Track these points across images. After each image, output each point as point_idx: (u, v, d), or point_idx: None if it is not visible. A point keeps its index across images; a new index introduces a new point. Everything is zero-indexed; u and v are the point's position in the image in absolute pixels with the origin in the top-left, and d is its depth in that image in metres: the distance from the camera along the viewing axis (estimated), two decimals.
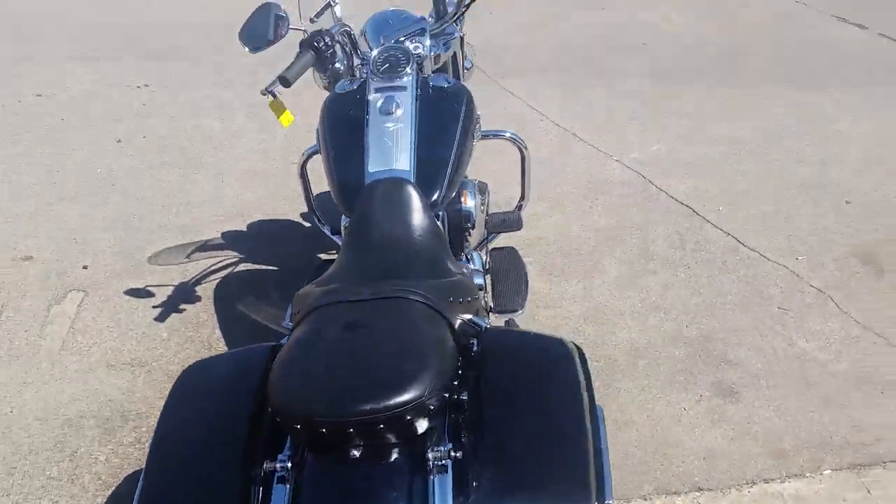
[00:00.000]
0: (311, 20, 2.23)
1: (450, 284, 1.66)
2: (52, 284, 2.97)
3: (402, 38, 2.27)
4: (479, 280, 2.29)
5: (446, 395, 1.35)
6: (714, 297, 2.96)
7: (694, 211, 3.53)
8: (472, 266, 2.34)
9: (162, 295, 2.89)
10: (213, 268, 3.05)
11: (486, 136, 2.64)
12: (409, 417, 1.27)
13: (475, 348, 1.52)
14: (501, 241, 2.73)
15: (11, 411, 2.41)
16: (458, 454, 1.32)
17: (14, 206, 3.51)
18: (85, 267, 3.08)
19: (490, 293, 2.44)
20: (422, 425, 1.32)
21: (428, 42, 2.27)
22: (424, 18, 2.37)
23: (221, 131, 4.24)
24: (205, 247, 3.18)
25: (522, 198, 2.71)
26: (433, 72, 2.32)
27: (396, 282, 1.56)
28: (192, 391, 1.49)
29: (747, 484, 2.22)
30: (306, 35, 2.10)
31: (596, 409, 1.48)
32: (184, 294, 2.90)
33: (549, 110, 4.49)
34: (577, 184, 3.74)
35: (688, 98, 4.69)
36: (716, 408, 2.47)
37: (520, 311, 2.43)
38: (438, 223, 2.00)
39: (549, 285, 3.04)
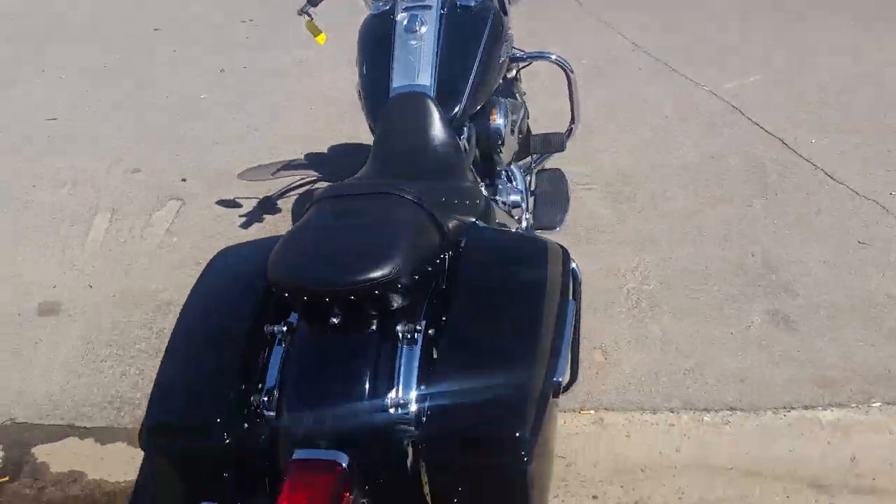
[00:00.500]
0: None
1: (450, 187, 1.77)
2: (155, 194, 3.31)
3: None
4: (514, 197, 2.38)
5: (417, 277, 1.46)
6: (788, 229, 2.86)
7: (784, 143, 3.37)
8: (510, 183, 2.42)
9: (248, 207, 3.15)
10: (295, 185, 3.27)
11: (530, 57, 2.67)
12: (378, 292, 1.39)
13: (462, 244, 1.63)
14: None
15: (114, 296, 2.76)
16: (430, 331, 1.45)
17: (130, 128, 3.90)
18: (184, 179, 3.40)
19: (532, 212, 2.50)
20: (395, 301, 1.44)
21: None
22: None
23: (316, 62, 4.47)
24: (289, 166, 3.41)
25: (572, 121, 2.73)
26: None
27: (396, 181, 1.68)
28: (220, 272, 1.68)
29: (784, 408, 2.18)
30: None
31: (568, 304, 1.59)
32: (266, 207, 3.15)
33: (645, 42, 4.38)
34: (662, 112, 3.67)
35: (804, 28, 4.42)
36: (766, 335, 2.41)
37: (557, 229, 2.49)
38: (461, 137, 2.10)
39: (612, 210, 3.04)
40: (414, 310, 1.50)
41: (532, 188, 2.60)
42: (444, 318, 1.50)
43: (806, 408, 2.18)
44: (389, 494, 1.40)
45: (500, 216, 2.22)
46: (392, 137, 2.02)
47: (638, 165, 3.31)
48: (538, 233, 2.48)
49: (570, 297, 1.78)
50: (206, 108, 4.08)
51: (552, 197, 2.61)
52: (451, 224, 1.65)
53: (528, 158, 2.68)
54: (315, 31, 2.24)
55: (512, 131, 2.31)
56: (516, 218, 2.43)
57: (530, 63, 2.78)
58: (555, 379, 1.45)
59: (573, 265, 1.89)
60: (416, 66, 2.09)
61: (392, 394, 1.43)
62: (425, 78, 2.07)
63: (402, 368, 1.45)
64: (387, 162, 1.98)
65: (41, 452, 2.15)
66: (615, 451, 2.09)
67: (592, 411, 2.21)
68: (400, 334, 1.45)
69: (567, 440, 2.12)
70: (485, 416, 1.38)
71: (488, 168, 2.33)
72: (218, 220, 3.10)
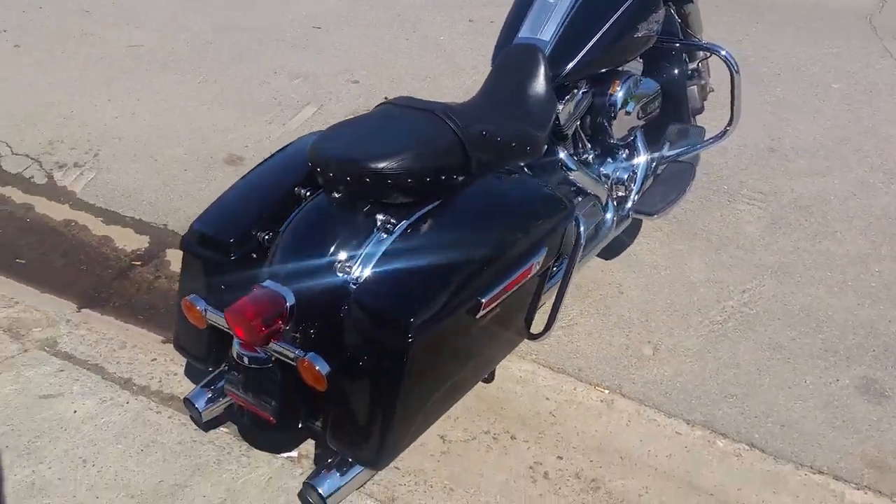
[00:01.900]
0: None
1: (507, 130, 1.92)
2: (362, 101, 3.76)
3: None
4: (621, 173, 2.38)
5: (411, 184, 1.68)
6: None
7: None
8: (625, 159, 2.43)
9: None
10: None
11: (698, 46, 2.58)
12: (369, 181, 1.66)
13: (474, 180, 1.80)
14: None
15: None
16: (408, 230, 1.67)
17: (370, 47, 4.41)
18: (385, 98, 3.80)
19: (642, 194, 2.46)
20: (387, 194, 1.70)
21: None
22: None
23: None
24: None
25: (730, 122, 2.60)
26: None
27: (453, 107, 1.86)
28: (295, 148, 2.00)
29: (812, 468, 1.96)
30: None
31: (541, 247, 1.76)
32: None
33: None
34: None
35: None
36: (845, 397, 2.17)
37: (655, 216, 2.44)
38: (566, 97, 2.18)
39: (763, 231, 2.83)
40: (401, 209, 1.71)
41: (655, 173, 2.56)
42: (424, 224, 1.68)
43: (837, 478, 1.94)
44: (316, 337, 1.63)
45: (583, 181, 2.27)
46: (496, 79, 2.20)
47: (825, 199, 3.02)
48: (635, 216, 2.45)
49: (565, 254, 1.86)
50: (443, 44, 4.44)
51: (667, 187, 2.53)
52: (479, 157, 1.80)
53: (665, 144, 2.62)
54: None
55: (629, 110, 2.31)
56: (618, 194, 2.43)
57: (708, 55, 2.70)
58: (479, 298, 1.58)
59: (581, 228, 1.95)
60: (545, 21, 2.21)
61: (349, 263, 1.66)
62: (547, 34, 2.19)
63: (369, 247, 1.70)
64: (484, 98, 2.16)
65: (172, 254, 2.70)
66: (606, 431, 2.06)
67: (607, 391, 2.19)
68: (379, 222, 1.68)
69: (566, 405, 2.14)
70: (396, 298, 1.55)
71: (600, 137, 2.36)
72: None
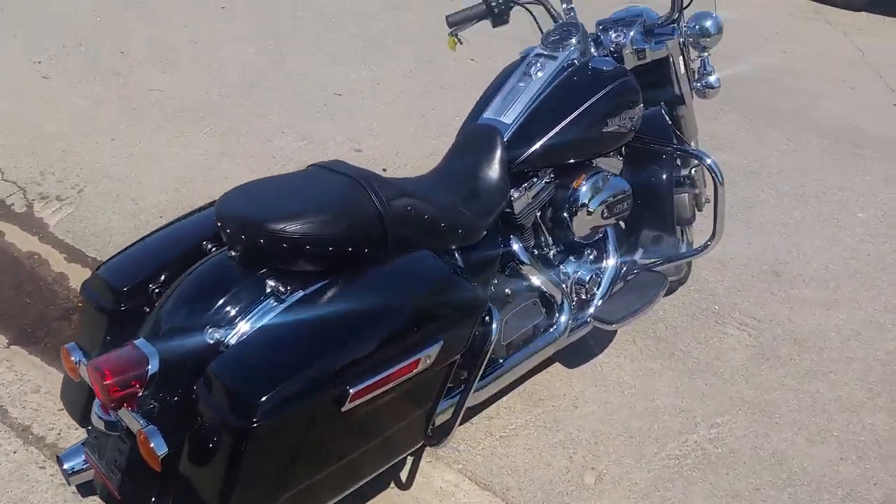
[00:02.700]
0: None
1: (437, 211, 1.77)
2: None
3: (612, 23, 2.30)
4: (583, 274, 2.23)
5: (309, 247, 1.55)
6: None
7: None
8: (572, 260, 2.27)
9: None
10: None
11: (681, 151, 2.43)
12: (260, 244, 1.55)
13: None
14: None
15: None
16: (302, 293, 1.56)
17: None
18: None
19: (592, 297, 2.29)
20: (281, 260, 1.58)
21: (632, 33, 2.25)
22: (655, 15, 2.31)
23: None
24: None
25: (712, 237, 2.43)
26: (633, 67, 2.28)
27: (379, 177, 1.74)
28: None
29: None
30: None
31: (435, 341, 1.60)
32: None
33: None
34: None
35: None
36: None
37: (612, 326, 2.32)
38: (523, 185, 2.06)
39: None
40: (299, 277, 1.58)
41: (625, 278, 2.38)
42: (317, 298, 1.55)
43: None
44: (172, 408, 1.48)
45: (534, 277, 2.11)
46: (450, 158, 2.10)
47: (825, 335, 2.76)
48: (593, 322, 2.26)
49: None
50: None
51: (633, 296, 2.36)
52: (400, 233, 1.66)
53: (638, 250, 2.45)
54: (452, 44, 2.37)
55: (591, 208, 2.15)
56: (579, 296, 2.26)
57: (699, 163, 2.54)
58: (347, 388, 1.42)
59: (493, 325, 1.77)
60: (511, 104, 2.11)
61: (226, 330, 1.52)
62: (510, 117, 2.08)
63: (252, 316, 1.55)
64: (433, 175, 2.05)
65: None
66: None
67: None
68: (269, 288, 1.55)
69: None
70: (249, 376, 1.41)
71: (562, 233, 2.21)
72: None
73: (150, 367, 1.48)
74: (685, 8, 2.28)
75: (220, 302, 1.56)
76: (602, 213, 2.21)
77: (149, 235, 1.84)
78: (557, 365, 2.49)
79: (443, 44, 2.32)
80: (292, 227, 1.53)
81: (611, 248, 2.36)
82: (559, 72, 2.13)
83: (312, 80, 4.41)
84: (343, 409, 1.43)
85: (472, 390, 1.81)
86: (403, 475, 2.06)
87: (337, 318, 1.50)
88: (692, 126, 2.57)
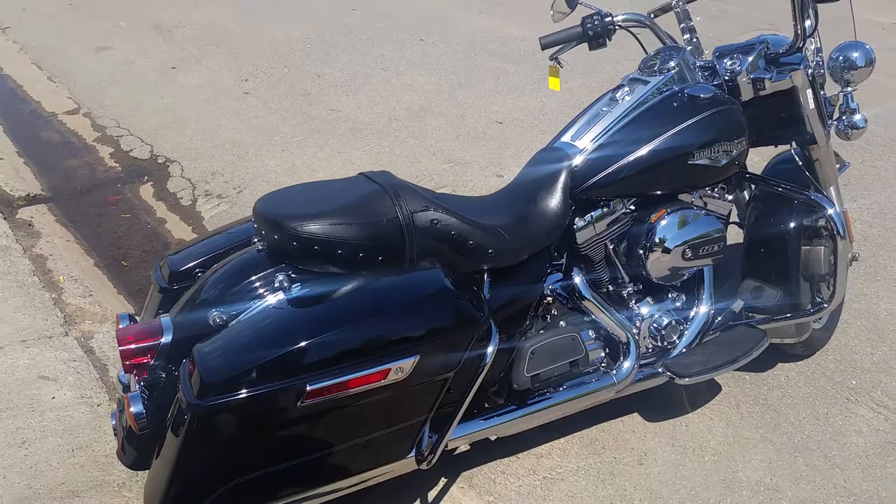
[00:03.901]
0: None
1: (457, 222, 1.73)
2: None
3: (730, 50, 2.10)
4: (659, 318, 2.07)
5: (316, 248, 1.61)
6: None
7: None
8: (649, 302, 2.09)
9: None
10: None
11: (798, 195, 2.12)
12: (276, 237, 1.63)
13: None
14: None
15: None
16: (300, 289, 1.60)
17: None
18: None
19: (672, 345, 2.07)
20: (292, 255, 1.64)
21: (749, 60, 2.02)
22: (783, 43, 2.05)
23: None
24: None
25: (830, 298, 2.10)
26: (747, 100, 2.06)
27: (412, 188, 1.75)
28: None
29: None
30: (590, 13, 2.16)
31: (409, 354, 1.58)
32: None
33: None
34: None
35: None
36: None
37: (680, 381, 2.06)
38: (587, 214, 1.96)
39: None
40: (307, 274, 1.63)
41: (702, 329, 2.11)
42: (313, 295, 1.59)
43: None
44: (172, 383, 1.59)
45: (596, 314, 1.96)
46: (518, 179, 2.05)
47: None
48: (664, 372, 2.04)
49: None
50: None
51: (716, 351, 2.09)
52: (422, 245, 1.68)
53: (736, 300, 2.17)
54: (554, 74, 2.27)
55: (669, 247, 1.95)
56: (653, 342, 2.06)
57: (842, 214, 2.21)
58: (306, 384, 1.43)
59: (489, 349, 1.67)
60: (588, 129, 2.02)
61: (231, 315, 1.60)
62: (584, 142, 1.99)
63: (255, 305, 1.62)
64: (495, 195, 2.01)
65: None
66: None
67: None
68: (277, 282, 1.62)
69: None
70: (216, 358, 1.48)
71: (633, 269, 2.04)
72: None
73: (162, 340, 1.60)
74: (810, 35, 2.02)
75: (234, 289, 1.65)
76: (683, 253, 2.00)
77: (217, 231, 2.00)
78: (636, 416, 2.28)
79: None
80: (305, 227, 1.59)
81: (704, 294, 2.13)
82: (648, 97, 1.99)
83: (480, 109, 4.50)
84: (300, 405, 1.44)
85: (463, 410, 1.73)
86: (431, 495, 2.01)
87: (314, 317, 1.53)
88: (829, 170, 2.23)
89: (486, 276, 1.80)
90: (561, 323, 1.99)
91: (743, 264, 2.31)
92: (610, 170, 1.91)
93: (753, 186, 2.32)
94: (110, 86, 4.74)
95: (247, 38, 5.64)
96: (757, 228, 2.26)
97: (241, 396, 1.40)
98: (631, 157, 1.91)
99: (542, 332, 1.94)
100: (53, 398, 2.20)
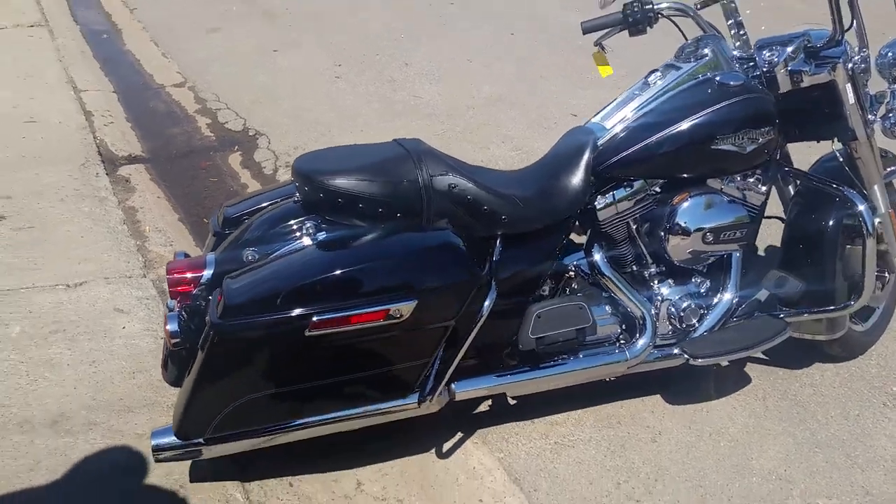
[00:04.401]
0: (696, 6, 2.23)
1: (473, 187, 1.85)
2: None
3: (770, 42, 2.12)
4: (679, 301, 2.12)
5: (340, 200, 1.77)
6: None
7: None
8: (668, 283, 2.14)
9: None
10: None
11: (828, 187, 2.09)
12: (306, 188, 1.81)
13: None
14: None
15: None
16: (325, 236, 1.79)
17: None
18: None
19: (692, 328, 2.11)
20: (319, 206, 1.82)
21: (788, 52, 2.03)
22: (824, 36, 2.04)
23: None
24: None
25: (855, 295, 2.08)
26: (785, 92, 2.07)
27: (435, 153, 1.90)
28: None
29: None
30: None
31: (407, 297, 1.73)
32: None
33: None
34: None
35: None
36: None
37: (692, 361, 2.10)
38: (607, 191, 2.03)
39: None
40: (333, 224, 1.80)
41: (724, 315, 2.14)
42: (333, 241, 1.75)
43: None
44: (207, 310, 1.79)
45: (614, 292, 2.03)
46: (547, 155, 2.13)
47: None
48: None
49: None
50: None
51: (733, 336, 2.12)
52: (439, 206, 1.82)
53: (760, 289, 2.18)
54: (602, 62, 2.31)
55: (688, 230, 2.00)
56: (671, 323, 2.11)
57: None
58: (312, 315, 1.59)
59: (486, 302, 1.77)
60: (618, 111, 2.11)
61: (263, 255, 1.79)
62: (612, 122, 2.06)
63: (283, 248, 1.80)
64: (525, 169, 2.11)
65: None
66: None
67: None
68: (306, 228, 1.80)
69: None
70: (239, 287, 1.69)
71: (655, 250, 2.10)
72: None
73: (205, 273, 1.81)
74: (849, 28, 2.01)
75: (269, 234, 1.85)
76: (704, 237, 2.04)
77: (269, 189, 2.20)
78: (657, 397, 2.32)
79: None
80: (331, 181, 1.76)
81: (730, 281, 2.15)
82: (679, 83, 2.04)
83: (557, 101, 4.56)
84: (307, 334, 1.61)
85: (459, 358, 1.86)
86: (447, 446, 2.13)
87: (326, 259, 1.70)
88: (872, 169, 2.19)
89: (498, 241, 1.91)
90: (577, 294, 2.07)
91: (780, 258, 2.30)
92: (632, 150, 1.98)
93: (799, 182, 2.32)
94: (215, 63, 5.11)
95: (347, 27, 5.92)
96: (795, 223, 2.25)
97: (255, 319, 1.59)
98: (653, 139, 1.97)
99: (552, 299, 2.03)
100: (124, 328, 2.47)
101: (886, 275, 2.40)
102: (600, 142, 2.01)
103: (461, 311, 1.76)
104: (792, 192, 2.36)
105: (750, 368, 2.44)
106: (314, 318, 1.60)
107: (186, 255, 2.04)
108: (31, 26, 5.57)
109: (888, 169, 2.38)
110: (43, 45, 5.17)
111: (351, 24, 5.97)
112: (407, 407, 1.84)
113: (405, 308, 1.67)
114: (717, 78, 2.01)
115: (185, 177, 3.71)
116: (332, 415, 1.79)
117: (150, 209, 3.29)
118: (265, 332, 1.62)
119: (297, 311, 1.61)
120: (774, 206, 2.39)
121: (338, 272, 1.65)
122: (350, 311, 1.63)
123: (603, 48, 2.31)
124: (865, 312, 2.50)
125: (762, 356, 2.47)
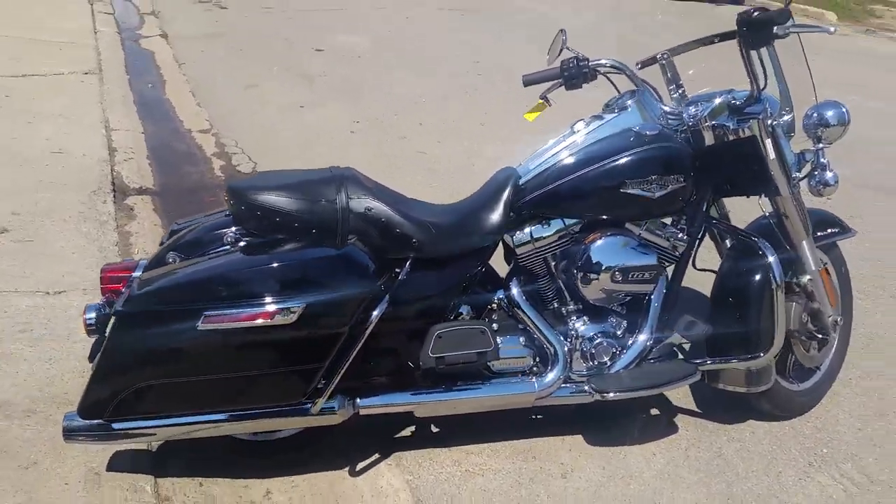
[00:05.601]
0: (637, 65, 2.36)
1: (389, 212, 1.99)
2: None
3: (697, 98, 2.23)
4: (594, 338, 2.18)
5: (258, 213, 1.92)
6: None
7: None
8: (575, 323, 2.20)
9: None
10: None
11: (740, 238, 2.15)
12: (231, 202, 1.96)
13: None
14: None
15: None
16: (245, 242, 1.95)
17: None
18: None
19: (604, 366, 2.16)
20: (241, 220, 1.97)
21: (712, 106, 2.15)
22: (750, 93, 2.13)
23: None
24: None
25: (764, 348, 2.08)
26: (713, 147, 2.17)
27: (358, 179, 2.04)
28: None
29: None
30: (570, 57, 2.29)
31: (293, 300, 1.85)
32: None
33: None
34: None
35: None
36: None
37: (595, 397, 2.14)
38: (524, 227, 2.15)
39: None
40: (254, 237, 1.96)
41: (637, 356, 2.17)
42: (247, 249, 1.91)
43: None
44: None
45: (528, 325, 2.12)
46: (478, 190, 2.25)
47: None
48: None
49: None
50: None
51: (642, 375, 2.14)
52: (354, 228, 1.96)
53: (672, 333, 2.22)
54: (536, 109, 2.39)
55: (597, 270, 2.09)
56: (583, 361, 2.16)
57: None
58: (203, 310, 1.75)
59: (374, 312, 1.89)
60: (542, 155, 2.25)
61: (181, 259, 1.95)
62: (536, 163, 2.20)
63: (203, 253, 1.96)
64: (461, 201, 2.25)
65: None
66: None
67: None
68: (227, 238, 1.99)
69: None
70: (147, 282, 1.83)
71: (571, 287, 2.18)
72: None
73: (134, 274, 1.98)
74: (763, 88, 2.11)
75: (197, 241, 2.02)
76: (613, 276, 2.11)
77: (220, 209, 2.37)
78: (579, 437, 2.35)
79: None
80: (252, 195, 1.92)
81: (647, 323, 2.20)
82: (594, 132, 2.16)
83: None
84: (199, 328, 1.75)
85: (347, 364, 1.92)
86: (361, 465, 2.20)
87: (228, 262, 1.87)
88: (798, 225, 2.24)
89: (407, 263, 2.02)
90: (485, 320, 2.15)
91: (709, 307, 2.34)
92: (547, 189, 2.11)
93: (729, 236, 2.38)
94: (243, 114, 5.46)
95: (374, 90, 6.24)
96: (720, 274, 2.30)
97: (152, 308, 1.74)
98: (567, 179, 2.10)
99: (455, 321, 2.11)
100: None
101: (824, 336, 2.40)
102: (521, 181, 2.14)
103: (352, 320, 1.87)
104: (729, 246, 2.41)
105: (680, 419, 2.45)
106: (206, 313, 1.74)
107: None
108: (86, 73, 6.07)
109: (828, 231, 2.42)
110: (90, 90, 5.62)
111: (379, 88, 6.28)
112: (300, 411, 1.93)
113: (292, 310, 1.79)
114: (636, 128, 2.13)
115: (187, 209, 3.93)
116: (228, 411, 1.90)
117: (145, 235, 3.52)
118: (161, 322, 1.76)
119: (190, 305, 1.75)
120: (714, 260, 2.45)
121: (232, 272, 1.80)
122: (240, 308, 1.76)
123: (549, 102, 2.43)
124: (804, 373, 2.49)
125: (695, 409, 2.49)
